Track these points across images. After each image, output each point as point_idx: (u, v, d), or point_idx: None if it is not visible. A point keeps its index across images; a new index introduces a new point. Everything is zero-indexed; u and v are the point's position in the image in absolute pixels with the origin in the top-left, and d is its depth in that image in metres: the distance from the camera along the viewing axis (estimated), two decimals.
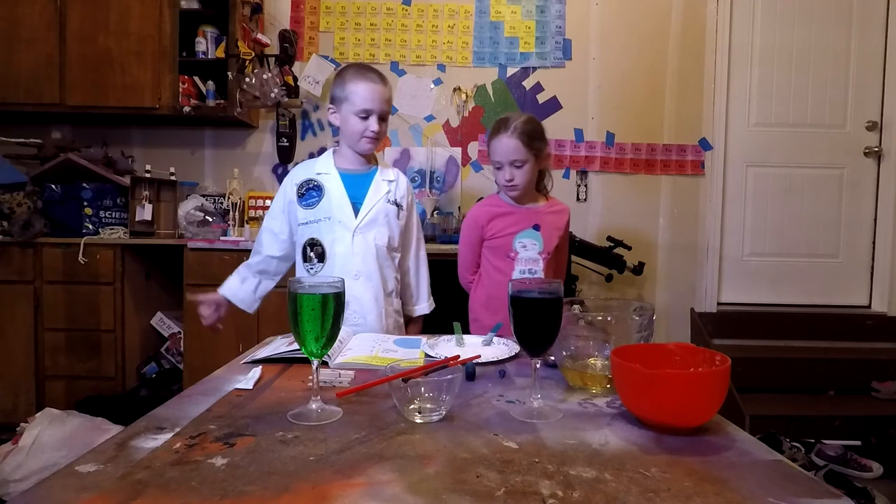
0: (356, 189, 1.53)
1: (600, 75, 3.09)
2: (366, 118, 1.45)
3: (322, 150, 3.07)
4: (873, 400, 2.64)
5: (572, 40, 3.07)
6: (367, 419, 0.78)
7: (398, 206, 1.58)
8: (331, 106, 1.52)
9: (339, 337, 0.90)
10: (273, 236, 1.56)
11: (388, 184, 1.57)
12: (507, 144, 1.53)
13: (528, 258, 1.61)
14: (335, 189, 1.51)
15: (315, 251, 1.51)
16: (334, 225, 1.50)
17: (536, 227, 1.61)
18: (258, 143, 3.10)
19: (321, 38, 3.07)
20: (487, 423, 0.78)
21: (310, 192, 1.52)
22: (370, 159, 1.58)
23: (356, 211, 1.51)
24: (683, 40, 3.07)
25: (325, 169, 1.53)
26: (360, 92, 1.44)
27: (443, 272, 1.83)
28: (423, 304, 1.70)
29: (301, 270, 1.55)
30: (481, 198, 1.93)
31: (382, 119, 1.48)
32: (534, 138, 1.55)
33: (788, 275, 3.14)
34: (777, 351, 2.90)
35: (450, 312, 1.59)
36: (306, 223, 1.51)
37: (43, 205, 2.54)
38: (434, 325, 1.61)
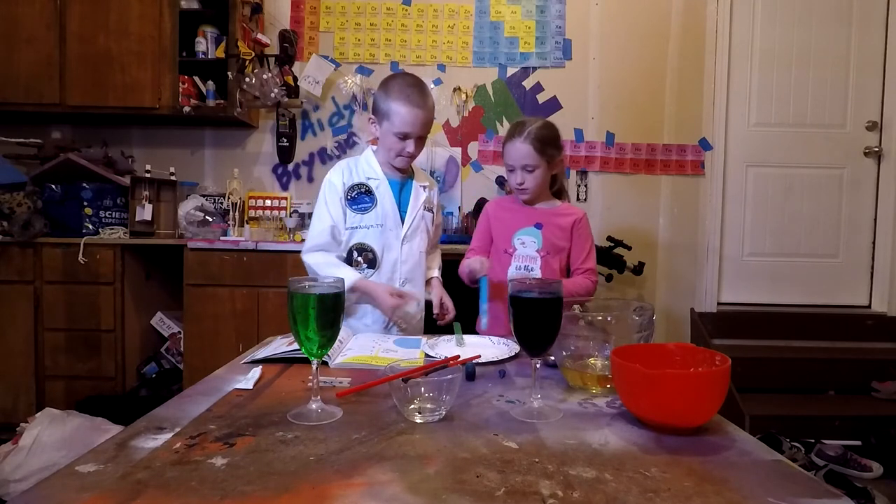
0: (399, 197, 1.58)
1: (600, 75, 3.09)
2: (404, 139, 1.48)
3: (322, 150, 3.08)
4: (873, 400, 2.64)
5: (572, 40, 3.07)
6: (367, 419, 0.78)
7: (431, 211, 1.64)
8: (371, 116, 1.55)
9: (339, 337, 0.90)
10: (337, 231, 1.53)
11: (424, 190, 1.62)
12: (520, 149, 1.55)
13: (526, 255, 1.63)
14: (386, 197, 1.54)
15: (365, 256, 1.54)
16: (386, 232, 1.54)
17: (538, 226, 1.62)
18: (258, 143, 3.09)
19: (321, 38, 3.07)
20: (487, 423, 0.78)
21: (361, 197, 1.53)
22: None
23: (402, 219, 1.56)
24: (683, 40, 3.07)
25: (373, 174, 1.55)
26: (402, 114, 1.45)
27: (442, 272, 1.83)
28: (435, 271, 1.74)
29: None
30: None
31: (420, 139, 1.51)
32: (547, 144, 1.56)
33: (788, 275, 3.14)
34: (777, 351, 2.90)
35: None
36: (356, 227, 1.53)
37: (43, 205, 2.53)
38: (435, 324, 1.62)
